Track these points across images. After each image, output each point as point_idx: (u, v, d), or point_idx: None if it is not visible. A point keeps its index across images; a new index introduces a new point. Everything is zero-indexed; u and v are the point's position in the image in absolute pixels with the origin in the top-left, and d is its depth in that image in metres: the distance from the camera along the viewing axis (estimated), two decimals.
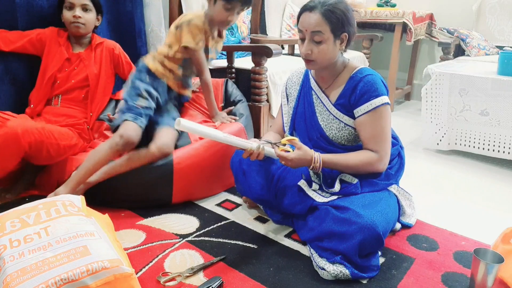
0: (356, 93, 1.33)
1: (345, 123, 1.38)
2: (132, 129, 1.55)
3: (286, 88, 1.57)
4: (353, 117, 1.36)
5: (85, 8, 1.77)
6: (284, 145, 1.32)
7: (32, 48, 1.77)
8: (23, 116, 1.67)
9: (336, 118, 1.39)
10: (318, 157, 1.30)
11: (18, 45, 1.73)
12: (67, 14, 1.75)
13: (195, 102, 1.97)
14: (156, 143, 1.56)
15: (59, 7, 1.79)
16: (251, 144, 1.27)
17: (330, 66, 1.37)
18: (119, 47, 1.96)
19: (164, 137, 1.60)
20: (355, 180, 1.35)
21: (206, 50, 1.79)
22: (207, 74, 1.79)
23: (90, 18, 1.80)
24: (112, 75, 1.94)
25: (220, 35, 1.86)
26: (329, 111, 1.40)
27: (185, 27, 1.70)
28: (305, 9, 1.31)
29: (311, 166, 1.30)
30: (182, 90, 1.84)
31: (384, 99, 1.32)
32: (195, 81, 2.00)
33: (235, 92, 2.06)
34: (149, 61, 1.75)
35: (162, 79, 1.74)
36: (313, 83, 1.46)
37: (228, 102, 2.02)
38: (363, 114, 1.33)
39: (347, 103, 1.36)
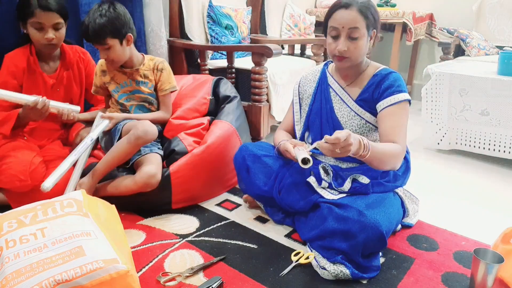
0: (380, 88, 1.36)
1: (366, 120, 1.39)
2: (143, 122, 1.54)
3: (299, 86, 1.58)
4: (375, 114, 1.38)
5: None
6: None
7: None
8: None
9: (358, 114, 1.40)
10: (368, 143, 1.20)
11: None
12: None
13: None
14: (144, 172, 1.51)
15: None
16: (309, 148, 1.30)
17: (358, 64, 1.39)
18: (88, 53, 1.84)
19: (149, 165, 1.53)
20: (367, 181, 1.34)
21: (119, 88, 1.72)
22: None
23: None
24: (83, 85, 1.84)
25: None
26: (350, 108, 1.41)
27: None
28: (339, 6, 1.31)
29: (360, 152, 1.19)
30: None
31: (407, 95, 1.35)
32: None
33: (229, 91, 2.01)
34: None
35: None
36: (331, 81, 1.47)
37: (218, 100, 1.99)
38: (387, 106, 1.34)
39: (370, 98, 1.37)
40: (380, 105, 1.36)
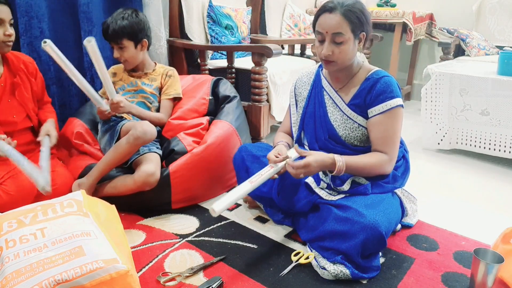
0: (372, 93, 1.33)
1: (358, 124, 1.37)
2: (142, 122, 1.55)
3: (295, 88, 1.57)
4: (367, 118, 1.36)
5: None
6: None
7: None
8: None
9: (350, 118, 1.38)
10: (341, 160, 1.29)
11: None
12: None
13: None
14: (143, 170, 1.51)
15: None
16: (278, 167, 1.32)
17: (348, 67, 1.37)
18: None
19: (148, 164, 1.54)
20: (366, 182, 1.35)
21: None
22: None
23: None
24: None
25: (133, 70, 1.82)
26: (342, 111, 1.40)
27: None
28: (324, 10, 1.29)
29: (335, 170, 1.29)
30: None
31: (399, 101, 1.33)
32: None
33: (229, 91, 2.00)
34: None
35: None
36: (325, 83, 1.45)
37: (218, 100, 1.99)
38: (378, 114, 1.33)
39: (362, 103, 1.36)
40: (371, 112, 1.34)
